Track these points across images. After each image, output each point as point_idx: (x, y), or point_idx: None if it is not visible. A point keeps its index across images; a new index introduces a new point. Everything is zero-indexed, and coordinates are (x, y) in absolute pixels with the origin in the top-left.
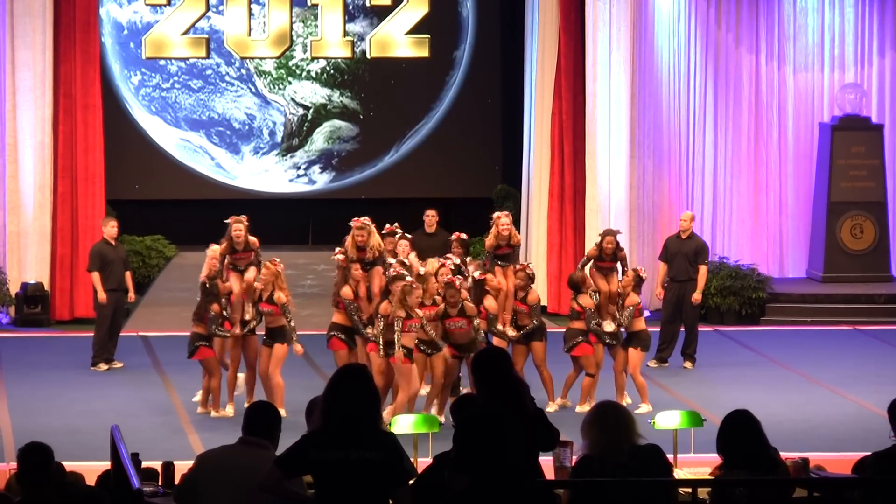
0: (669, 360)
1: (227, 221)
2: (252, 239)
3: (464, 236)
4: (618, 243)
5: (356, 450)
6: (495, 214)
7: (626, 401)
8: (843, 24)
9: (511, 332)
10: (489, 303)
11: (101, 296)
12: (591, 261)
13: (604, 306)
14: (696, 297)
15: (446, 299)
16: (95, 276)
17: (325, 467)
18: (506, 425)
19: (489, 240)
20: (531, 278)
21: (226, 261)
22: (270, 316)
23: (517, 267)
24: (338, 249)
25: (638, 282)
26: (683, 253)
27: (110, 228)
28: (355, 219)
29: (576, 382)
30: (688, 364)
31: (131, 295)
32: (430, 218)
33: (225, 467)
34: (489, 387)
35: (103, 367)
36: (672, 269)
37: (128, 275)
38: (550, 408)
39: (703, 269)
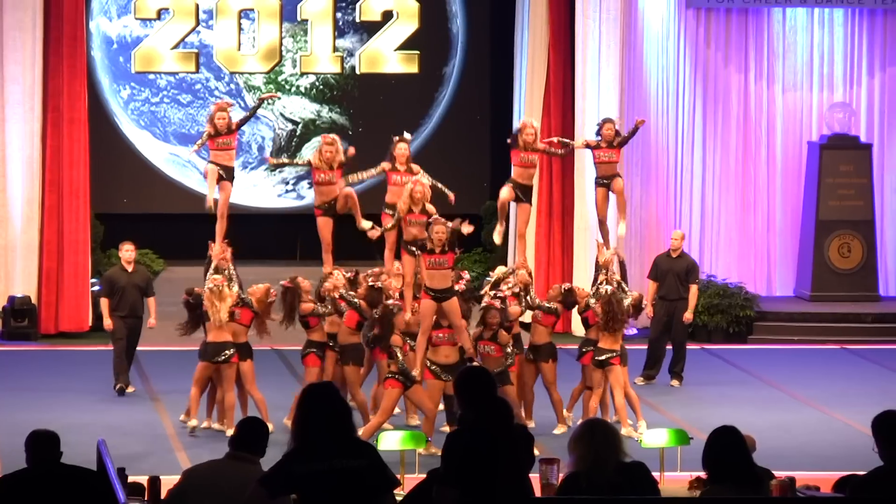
0: (657, 377)
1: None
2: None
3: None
4: (617, 131)
5: (339, 459)
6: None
7: (614, 418)
8: (832, 42)
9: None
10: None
11: (106, 322)
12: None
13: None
14: (688, 316)
15: (486, 321)
16: (103, 302)
17: (310, 480)
18: (495, 442)
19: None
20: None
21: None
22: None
23: (482, 306)
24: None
25: (567, 298)
26: (675, 272)
27: (124, 252)
28: (324, 135)
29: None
30: (675, 382)
31: (151, 321)
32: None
33: (212, 482)
34: (474, 406)
35: (130, 389)
36: (662, 287)
37: (150, 301)
38: (557, 430)
39: (694, 288)
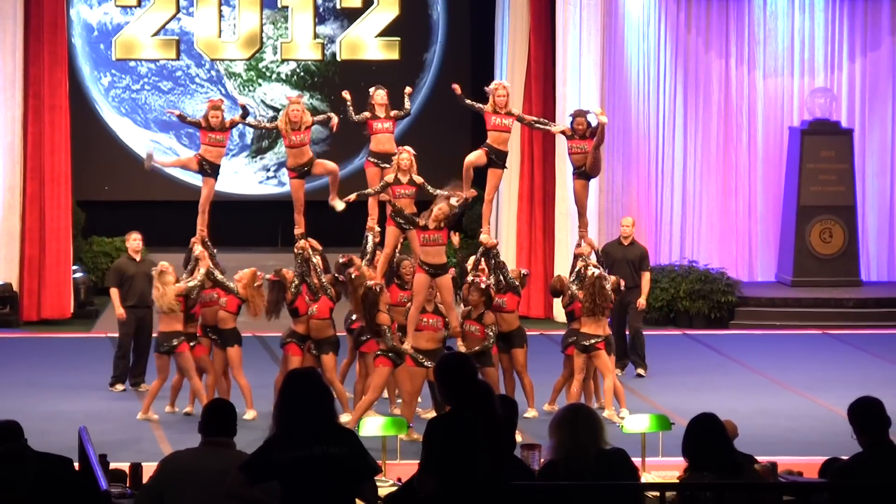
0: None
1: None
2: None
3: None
4: (588, 122)
5: (319, 446)
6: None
7: (596, 404)
8: (813, 28)
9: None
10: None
11: (118, 311)
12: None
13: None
14: (642, 302)
15: (468, 300)
16: (113, 292)
17: (290, 467)
18: (476, 428)
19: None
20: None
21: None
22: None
23: (467, 281)
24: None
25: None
26: (628, 259)
27: (132, 242)
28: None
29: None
30: (641, 371)
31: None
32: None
33: (192, 469)
34: (455, 393)
35: (119, 387)
36: (615, 275)
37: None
38: (529, 414)
39: (647, 276)
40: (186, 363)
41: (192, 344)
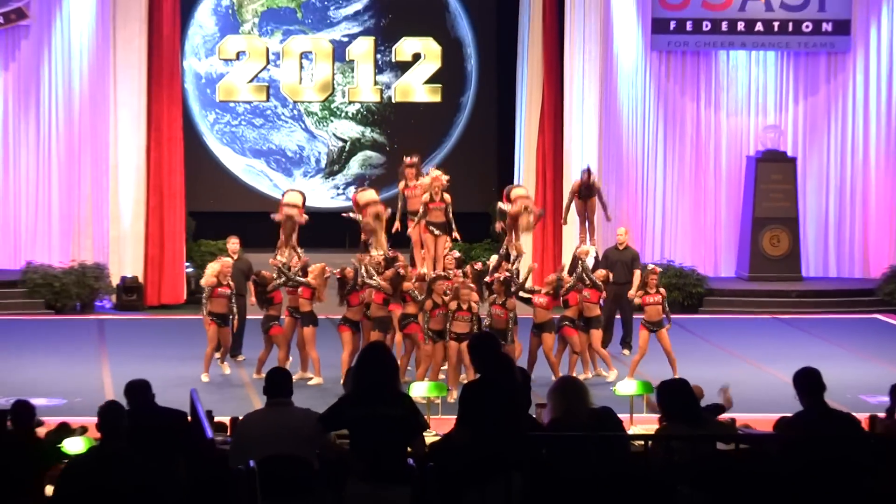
0: (611, 342)
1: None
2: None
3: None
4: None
5: (381, 407)
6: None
7: (588, 374)
8: (765, 77)
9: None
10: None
11: (252, 300)
12: (574, 196)
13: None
14: (632, 293)
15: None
16: (249, 286)
17: (358, 422)
18: (500, 391)
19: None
20: (507, 284)
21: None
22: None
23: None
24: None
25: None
26: (623, 261)
27: (231, 244)
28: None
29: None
30: (626, 351)
31: (251, 300)
32: None
33: (263, 424)
34: (484, 363)
35: (241, 357)
36: (613, 274)
37: (249, 284)
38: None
39: (637, 273)
40: (279, 339)
41: (271, 324)
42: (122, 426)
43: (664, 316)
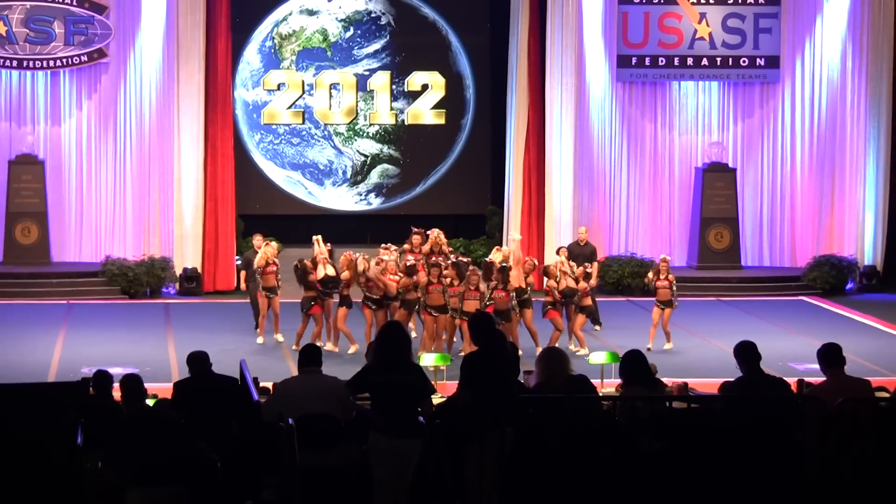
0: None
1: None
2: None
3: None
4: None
5: (397, 374)
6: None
7: (573, 347)
8: (710, 103)
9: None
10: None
11: (243, 286)
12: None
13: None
14: (593, 283)
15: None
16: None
17: (378, 387)
18: (494, 361)
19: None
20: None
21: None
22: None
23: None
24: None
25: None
26: (584, 255)
27: (256, 241)
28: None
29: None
30: (597, 327)
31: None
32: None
33: (297, 388)
34: (482, 338)
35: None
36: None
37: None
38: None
39: (596, 265)
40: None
41: (312, 303)
42: (142, 392)
43: (672, 297)
